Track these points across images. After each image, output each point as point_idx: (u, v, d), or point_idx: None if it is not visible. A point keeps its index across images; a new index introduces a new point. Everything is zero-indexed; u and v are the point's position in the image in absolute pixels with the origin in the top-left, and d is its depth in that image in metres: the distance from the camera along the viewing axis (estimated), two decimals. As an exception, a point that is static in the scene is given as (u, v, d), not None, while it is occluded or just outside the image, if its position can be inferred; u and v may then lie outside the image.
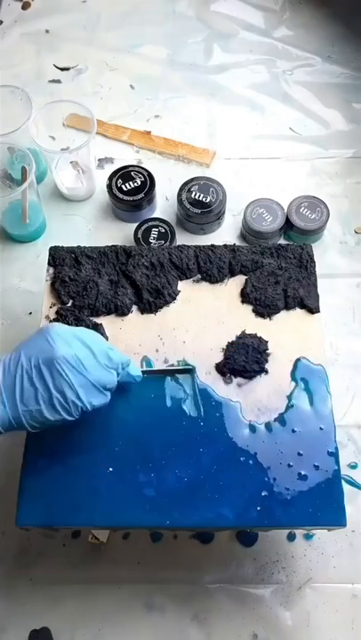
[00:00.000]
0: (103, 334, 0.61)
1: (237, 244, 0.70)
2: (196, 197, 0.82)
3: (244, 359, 0.60)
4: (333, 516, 0.54)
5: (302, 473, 0.55)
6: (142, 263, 0.65)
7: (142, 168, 0.84)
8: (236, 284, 0.65)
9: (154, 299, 0.63)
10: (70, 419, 0.51)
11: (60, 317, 0.62)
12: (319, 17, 1.06)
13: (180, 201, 0.82)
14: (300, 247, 0.66)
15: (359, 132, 0.94)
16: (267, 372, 0.60)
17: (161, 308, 0.64)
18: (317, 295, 0.64)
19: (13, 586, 0.66)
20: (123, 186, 0.83)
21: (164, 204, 0.88)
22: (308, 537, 0.67)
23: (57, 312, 0.63)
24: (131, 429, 0.57)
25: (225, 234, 0.86)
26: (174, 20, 1.06)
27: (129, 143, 0.94)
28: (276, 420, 0.58)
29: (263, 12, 1.06)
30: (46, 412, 0.50)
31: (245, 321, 0.63)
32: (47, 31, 1.05)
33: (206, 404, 0.59)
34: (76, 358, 0.50)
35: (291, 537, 0.67)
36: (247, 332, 0.62)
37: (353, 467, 0.70)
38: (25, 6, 1.08)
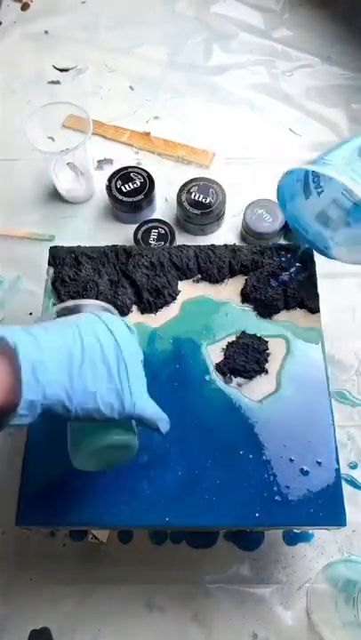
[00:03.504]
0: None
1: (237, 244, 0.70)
2: (196, 198, 0.82)
3: (244, 359, 0.60)
4: (333, 516, 0.54)
5: (304, 470, 0.55)
6: (142, 263, 0.65)
7: (142, 169, 0.84)
8: (236, 284, 0.65)
9: (154, 299, 0.63)
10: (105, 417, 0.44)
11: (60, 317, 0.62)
12: (319, 17, 1.06)
13: (179, 202, 0.82)
14: (300, 247, 0.67)
15: (359, 132, 0.94)
16: (267, 371, 0.60)
17: (161, 307, 0.64)
18: (317, 295, 0.64)
19: (13, 586, 0.66)
20: (122, 187, 0.83)
21: (163, 206, 0.88)
22: (307, 537, 0.67)
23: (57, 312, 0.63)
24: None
25: (225, 235, 0.86)
26: (174, 20, 1.06)
27: (128, 144, 0.94)
28: (275, 417, 0.58)
29: (263, 13, 1.06)
30: (100, 401, 0.43)
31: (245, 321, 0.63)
32: (46, 32, 1.06)
33: (207, 395, 0.59)
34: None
35: (290, 537, 0.67)
36: (247, 332, 0.62)
37: (353, 467, 0.70)
38: (24, 7, 1.08)
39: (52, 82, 1.00)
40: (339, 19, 1.05)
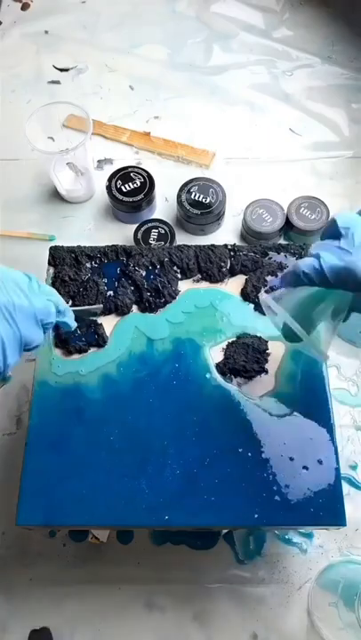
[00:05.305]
0: (103, 334, 0.61)
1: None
2: (196, 198, 0.82)
3: (244, 359, 0.60)
4: (333, 516, 0.54)
5: (303, 469, 0.55)
6: (142, 263, 0.65)
7: (142, 169, 0.84)
8: (236, 284, 0.65)
9: (154, 299, 0.63)
10: None
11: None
12: (319, 17, 1.06)
13: (179, 202, 0.82)
14: (300, 247, 0.67)
15: (359, 132, 0.94)
16: (267, 371, 0.60)
17: (161, 307, 0.64)
18: (317, 295, 0.64)
19: (13, 586, 0.66)
20: (122, 187, 0.83)
21: (163, 205, 0.88)
22: (307, 536, 0.67)
23: (57, 312, 0.63)
24: (130, 427, 0.57)
25: (225, 235, 0.86)
26: (174, 20, 1.06)
27: (128, 144, 0.94)
28: (275, 416, 0.58)
29: (263, 13, 1.06)
30: None
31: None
32: (46, 32, 1.06)
33: (206, 394, 0.59)
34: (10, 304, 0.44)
35: (290, 536, 0.67)
36: (247, 331, 0.62)
37: (353, 467, 0.70)
38: (24, 7, 1.08)
39: (52, 82, 1.00)
40: (339, 18, 1.05)
